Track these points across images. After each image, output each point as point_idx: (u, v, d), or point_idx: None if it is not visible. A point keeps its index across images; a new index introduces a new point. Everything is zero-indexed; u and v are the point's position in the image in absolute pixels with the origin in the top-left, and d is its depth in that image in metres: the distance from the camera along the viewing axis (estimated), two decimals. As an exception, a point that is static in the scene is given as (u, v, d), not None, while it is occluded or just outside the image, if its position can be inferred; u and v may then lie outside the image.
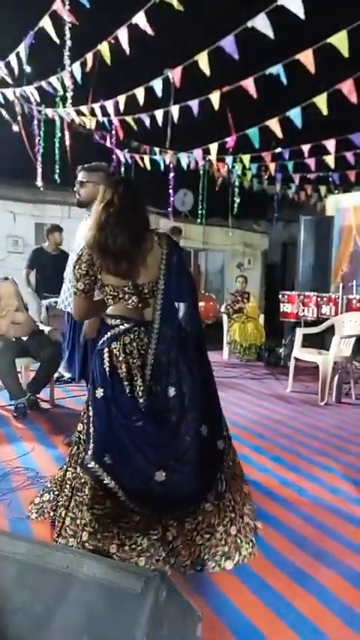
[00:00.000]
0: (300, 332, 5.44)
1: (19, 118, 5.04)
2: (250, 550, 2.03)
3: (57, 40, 3.92)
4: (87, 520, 1.87)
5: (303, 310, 6.35)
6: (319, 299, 6.22)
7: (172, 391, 1.95)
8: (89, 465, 1.93)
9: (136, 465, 1.88)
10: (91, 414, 2.01)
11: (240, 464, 2.30)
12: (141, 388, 1.94)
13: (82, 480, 1.95)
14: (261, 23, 3.22)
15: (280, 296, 6.71)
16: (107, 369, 1.96)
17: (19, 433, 3.65)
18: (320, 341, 6.13)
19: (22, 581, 1.33)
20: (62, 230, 5.67)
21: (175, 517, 1.94)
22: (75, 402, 4.56)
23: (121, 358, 1.96)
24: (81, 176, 3.03)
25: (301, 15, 3.01)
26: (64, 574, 1.31)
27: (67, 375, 5.39)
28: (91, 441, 1.96)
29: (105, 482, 1.88)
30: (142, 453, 1.90)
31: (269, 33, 3.20)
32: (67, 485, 2.10)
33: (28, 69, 4.29)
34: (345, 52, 3.22)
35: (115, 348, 1.97)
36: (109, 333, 2.01)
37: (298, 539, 2.26)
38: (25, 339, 4.24)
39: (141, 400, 1.94)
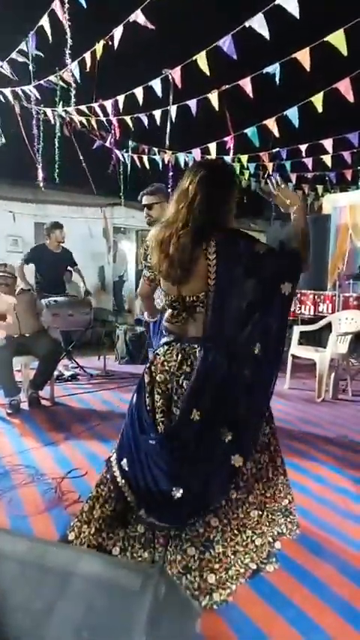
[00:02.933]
0: (297, 330, 5.47)
1: (18, 117, 5.02)
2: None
3: (55, 39, 3.91)
4: (97, 516, 1.85)
5: (300, 308, 6.38)
6: (316, 297, 6.25)
7: (195, 415, 1.70)
8: (110, 464, 1.91)
9: (151, 477, 1.77)
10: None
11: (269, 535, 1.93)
12: (158, 404, 1.81)
13: (106, 475, 1.92)
14: (258, 23, 3.22)
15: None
16: (144, 378, 1.88)
17: (19, 431, 3.67)
18: (317, 338, 6.16)
19: (22, 579, 1.34)
20: (63, 227, 5.48)
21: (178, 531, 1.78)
22: (75, 400, 4.57)
23: (150, 368, 1.87)
24: (145, 200, 3.20)
25: (296, 14, 3.01)
26: (64, 571, 1.32)
27: (68, 374, 5.43)
28: (119, 442, 1.93)
29: (119, 485, 1.84)
30: (158, 468, 1.76)
31: (265, 33, 3.20)
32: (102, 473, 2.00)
33: (28, 66, 4.29)
34: (344, 51, 3.22)
35: (154, 359, 1.87)
36: (160, 342, 1.93)
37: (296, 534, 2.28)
38: (27, 335, 4.28)
39: (158, 417, 1.80)
